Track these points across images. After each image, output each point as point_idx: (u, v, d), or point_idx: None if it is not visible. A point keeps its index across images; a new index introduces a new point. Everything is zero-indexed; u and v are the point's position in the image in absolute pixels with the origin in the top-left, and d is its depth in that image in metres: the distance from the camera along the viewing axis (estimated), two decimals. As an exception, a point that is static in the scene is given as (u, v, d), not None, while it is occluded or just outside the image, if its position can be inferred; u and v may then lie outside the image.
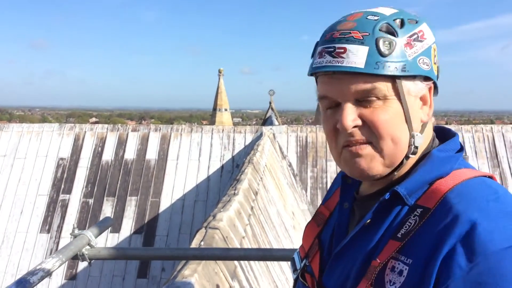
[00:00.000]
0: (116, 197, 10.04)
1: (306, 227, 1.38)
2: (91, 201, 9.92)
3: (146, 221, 10.03)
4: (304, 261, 1.29)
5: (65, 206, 9.85)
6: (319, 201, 9.75)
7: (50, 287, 9.27)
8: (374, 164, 1.10)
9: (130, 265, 9.63)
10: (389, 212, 1.09)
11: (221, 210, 5.37)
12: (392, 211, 1.09)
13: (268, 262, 5.71)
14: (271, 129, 10.81)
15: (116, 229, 9.71)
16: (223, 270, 4.26)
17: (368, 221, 1.11)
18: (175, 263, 9.76)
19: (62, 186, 9.99)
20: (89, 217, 9.67)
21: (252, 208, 6.08)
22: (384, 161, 1.09)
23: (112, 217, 9.80)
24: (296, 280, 1.33)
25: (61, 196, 9.93)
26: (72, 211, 9.66)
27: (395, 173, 1.12)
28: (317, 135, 10.57)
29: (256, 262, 5.30)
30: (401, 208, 1.08)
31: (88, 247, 3.01)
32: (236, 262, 4.64)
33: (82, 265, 9.48)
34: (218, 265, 4.20)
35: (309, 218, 9.36)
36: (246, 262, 5.02)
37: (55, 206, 9.85)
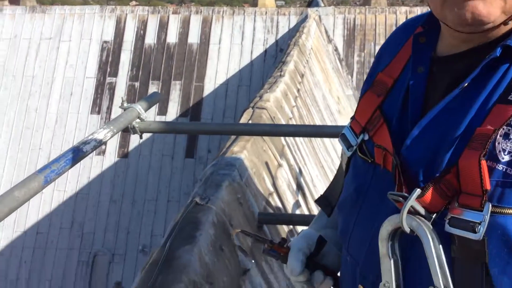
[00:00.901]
0: (160, 81, 10.01)
1: (361, 99, 1.21)
2: (137, 84, 9.93)
3: (191, 105, 10.06)
4: (361, 136, 1.14)
5: (112, 89, 9.93)
6: (365, 86, 9.42)
7: (104, 165, 9.65)
8: (494, 9, 0.91)
9: (178, 146, 9.83)
10: (493, 73, 0.94)
11: (268, 91, 5.19)
12: (497, 72, 0.94)
13: (315, 144, 5.62)
14: (316, 10, 10.22)
15: (163, 111, 9.80)
16: (271, 148, 4.18)
17: (466, 84, 0.95)
18: (221, 144, 9.90)
19: (108, 69, 9.99)
20: (136, 100, 9.73)
21: (298, 90, 5.87)
22: (505, 6, 0.92)
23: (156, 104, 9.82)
24: (350, 158, 1.19)
25: (108, 79, 9.98)
26: (119, 93, 9.74)
27: (502, 25, 0.95)
28: (366, 17, 9.93)
29: (303, 142, 5.21)
30: (508, 67, 0.93)
31: (138, 120, 2.92)
32: (283, 141, 4.55)
33: (133, 144, 9.75)
34: (266, 143, 4.11)
35: (354, 103, 9.10)
36: (293, 142, 4.93)
37: (103, 89, 9.94)
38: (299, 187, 4.58)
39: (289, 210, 4.04)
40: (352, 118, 1.20)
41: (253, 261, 2.99)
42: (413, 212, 0.94)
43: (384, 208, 1.02)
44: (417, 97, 1.05)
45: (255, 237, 1.50)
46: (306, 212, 4.41)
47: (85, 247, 9.64)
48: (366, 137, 1.13)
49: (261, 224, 3.27)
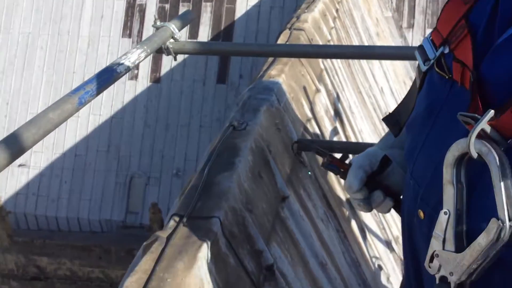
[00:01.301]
0: (191, 2, 9.66)
1: (445, 5, 1.07)
2: (167, 6, 9.62)
3: (222, 28, 9.74)
4: (441, 49, 1.03)
5: (142, 11, 9.66)
6: (406, 8, 8.88)
7: (137, 89, 9.61)
8: None
9: (210, 71, 9.65)
10: None
11: (305, 11, 4.88)
12: None
13: (353, 68, 5.36)
14: None
15: (193, 35, 9.54)
16: (309, 73, 3.97)
17: None
18: (254, 69, 9.67)
19: (138, -10, 9.67)
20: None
21: (337, 10, 5.51)
22: None
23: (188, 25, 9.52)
24: (426, 73, 1.09)
25: (138, 1, 9.68)
26: (149, 16, 9.48)
27: None
28: None
29: (341, 67, 4.95)
30: None
31: (172, 40, 2.75)
32: (322, 65, 4.32)
33: (164, 68, 9.63)
34: (304, 67, 3.90)
35: (393, 26, 8.61)
36: (331, 66, 4.69)
37: (133, 11, 9.68)
38: (337, 114, 4.41)
39: (327, 137, 3.90)
40: (434, 28, 1.05)
41: (309, 173, 2.93)
42: (484, 136, 0.85)
43: (456, 130, 0.92)
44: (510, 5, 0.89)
45: (316, 149, 1.50)
46: (344, 140, 4.26)
47: (122, 169, 9.85)
48: (447, 50, 1.02)
49: (299, 151, 3.15)
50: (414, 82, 1.20)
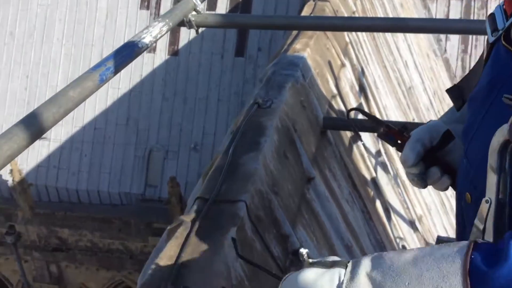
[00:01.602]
0: (210, -27, 9.41)
1: None
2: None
3: (240, 0, 9.51)
4: (510, 20, 0.93)
5: (160, -19, 9.46)
6: (431, -22, 8.52)
7: (155, 62, 9.49)
8: None
9: (228, 44, 9.47)
10: None
11: (329, -19, 4.67)
12: None
13: (378, 42, 5.15)
14: None
15: (212, 7, 9.32)
16: (334, 46, 3.80)
17: None
18: (272, 43, 9.44)
19: (156, -40, 9.45)
20: (185, -6, 9.28)
21: (361, -18, 5.27)
22: None
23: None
24: (493, 44, 0.98)
25: (156, -28, 9.48)
26: (168, -12, 9.28)
27: None
28: None
29: (366, 40, 4.76)
30: None
31: (194, 13, 2.61)
32: (347, 38, 4.13)
33: (182, 41, 9.47)
34: (330, 40, 3.72)
35: (418, -3, 8.30)
36: (356, 39, 4.49)
37: (151, -18, 9.48)
38: (362, 89, 4.24)
39: (352, 115, 3.75)
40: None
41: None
42: None
43: None
44: None
45: (372, 118, 1.37)
46: (369, 116, 4.11)
47: (140, 143, 9.82)
48: None
49: (325, 129, 3.02)
50: (481, 55, 1.08)
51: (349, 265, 0.85)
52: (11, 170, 8.95)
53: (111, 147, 9.91)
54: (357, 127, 2.96)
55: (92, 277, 9.78)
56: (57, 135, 9.72)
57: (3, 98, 9.96)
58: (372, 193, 3.52)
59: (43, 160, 9.81)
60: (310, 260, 0.96)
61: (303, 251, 1.06)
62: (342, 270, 0.85)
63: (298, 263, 2.14)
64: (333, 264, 0.89)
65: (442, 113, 1.68)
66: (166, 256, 1.76)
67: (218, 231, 1.86)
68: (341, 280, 0.82)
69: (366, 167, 3.50)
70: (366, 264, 0.82)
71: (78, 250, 9.53)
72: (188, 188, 9.91)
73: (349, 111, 2.47)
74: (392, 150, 4.28)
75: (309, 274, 0.91)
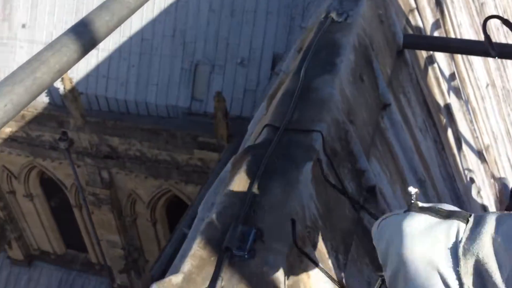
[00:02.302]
0: None
1: None
2: None
3: None
4: None
5: None
6: None
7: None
8: None
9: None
10: None
11: None
12: None
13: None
14: None
15: None
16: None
17: None
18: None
19: None
20: None
21: None
22: None
23: None
24: None
25: None
26: None
27: None
28: None
29: None
30: None
31: None
32: None
33: None
34: None
35: None
36: None
37: None
38: (438, 3, 3.71)
39: (428, 31, 3.28)
40: None
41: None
42: None
43: None
44: None
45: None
46: (444, 35, 3.62)
47: (187, 55, 9.51)
48: None
49: (404, 48, 2.61)
50: None
51: (471, 220, 0.71)
52: (62, 78, 8.91)
53: (158, 59, 9.66)
54: (439, 46, 2.54)
55: (141, 184, 10.00)
56: (106, 44, 9.50)
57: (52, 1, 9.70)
58: (444, 121, 3.15)
59: (92, 69, 9.70)
60: (420, 204, 0.78)
61: (412, 190, 0.87)
62: (462, 225, 0.71)
63: (372, 201, 1.86)
64: (450, 215, 0.74)
65: (510, 34, 1.32)
66: (235, 191, 1.52)
67: (292, 165, 1.59)
68: (460, 237, 0.68)
69: (440, 92, 3.11)
70: (491, 224, 0.67)
71: (128, 158, 9.67)
72: (233, 104, 9.68)
73: (486, 19, 2.02)
74: (465, 73, 3.82)
75: (419, 221, 0.74)
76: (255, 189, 1.49)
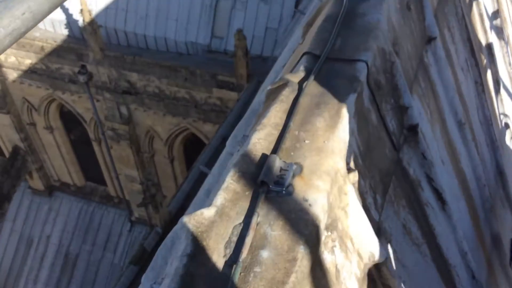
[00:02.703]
0: None
1: None
2: None
3: None
4: None
5: None
6: None
7: None
8: None
9: None
10: None
11: None
12: None
13: None
14: None
15: None
16: None
17: None
18: None
19: None
20: None
21: None
22: None
23: None
24: None
25: None
26: None
27: None
28: None
29: None
30: None
31: None
32: None
33: None
34: None
35: None
36: None
37: None
38: None
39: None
40: None
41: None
42: None
43: None
44: None
45: None
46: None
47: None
48: None
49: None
50: None
51: None
52: (81, 10, 8.64)
53: (178, -6, 9.30)
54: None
55: (159, 121, 9.93)
56: (125, -24, 9.14)
57: None
58: (485, 61, 2.92)
59: (111, 1, 9.39)
60: None
61: None
62: None
63: (412, 139, 1.71)
64: None
65: None
66: (271, 123, 1.37)
67: (334, 97, 1.43)
68: None
69: (483, 30, 2.85)
70: None
71: (146, 95, 9.55)
72: (254, 42, 9.35)
73: None
74: (507, 13, 3.52)
75: None
76: (293, 122, 1.34)
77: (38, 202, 11.54)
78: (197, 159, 8.58)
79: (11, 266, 10.96)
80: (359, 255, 1.40)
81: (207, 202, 1.41)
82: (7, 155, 11.49)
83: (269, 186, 1.23)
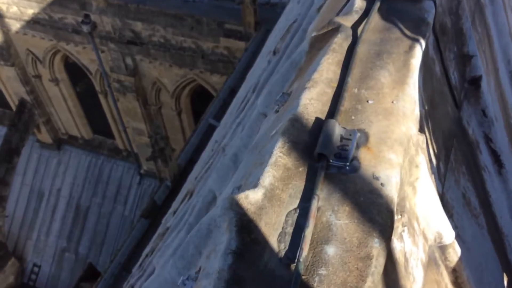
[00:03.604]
0: None
1: None
2: None
3: None
4: None
5: None
6: None
7: None
8: None
9: None
10: None
11: None
12: None
13: None
14: None
15: None
16: None
17: None
18: None
19: None
20: None
21: None
22: None
23: None
24: None
25: None
26: None
27: None
28: None
29: None
30: None
31: None
32: None
33: None
34: None
35: None
36: None
37: None
38: None
39: None
40: None
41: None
42: None
43: None
44: None
45: None
46: None
47: None
48: None
49: None
50: None
51: None
52: (80, -44, 8.10)
53: None
54: None
55: (165, 73, 9.56)
56: None
57: None
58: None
59: None
60: None
61: None
62: None
63: (472, 95, 1.41)
64: None
65: None
66: (323, 79, 1.08)
67: (398, 44, 1.14)
68: None
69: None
70: None
71: (152, 45, 9.13)
72: (263, -12, 8.84)
73: None
74: None
75: None
76: (351, 77, 1.06)
77: (47, 156, 11.39)
78: (205, 112, 8.30)
79: (23, 218, 10.97)
80: (424, 236, 1.16)
81: (238, 174, 1.14)
82: (13, 108, 11.23)
83: (329, 160, 0.96)
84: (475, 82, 1.52)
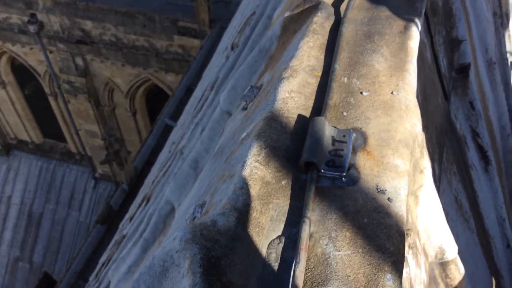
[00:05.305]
0: None
1: None
2: None
3: None
4: None
5: None
6: None
7: None
8: None
9: None
10: None
11: None
12: None
13: None
14: None
15: None
16: None
17: None
18: None
19: None
20: None
21: None
22: None
23: None
24: None
25: None
26: None
27: None
28: None
29: None
30: None
31: None
32: None
33: None
34: None
35: None
36: None
37: None
38: None
39: None
40: None
41: None
42: None
43: None
44: None
45: None
46: None
47: None
48: None
49: None
50: None
51: None
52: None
53: None
54: None
55: (118, 72, 9.10)
56: None
57: None
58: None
59: None
60: None
61: None
62: None
63: (459, 84, 1.22)
64: None
65: None
66: (303, 67, 0.84)
67: (391, 23, 0.92)
68: None
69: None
70: None
71: (103, 44, 8.65)
72: (216, -15, 8.56)
73: None
74: None
75: None
76: (338, 64, 0.83)
77: (-5, 162, 10.65)
78: (161, 112, 7.95)
79: (-29, 229, 10.20)
80: (425, 253, 0.95)
81: (200, 185, 0.89)
82: (-44, 113, 10.41)
83: (320, 170, 0.72)
84: (464, 70, 1.33)
